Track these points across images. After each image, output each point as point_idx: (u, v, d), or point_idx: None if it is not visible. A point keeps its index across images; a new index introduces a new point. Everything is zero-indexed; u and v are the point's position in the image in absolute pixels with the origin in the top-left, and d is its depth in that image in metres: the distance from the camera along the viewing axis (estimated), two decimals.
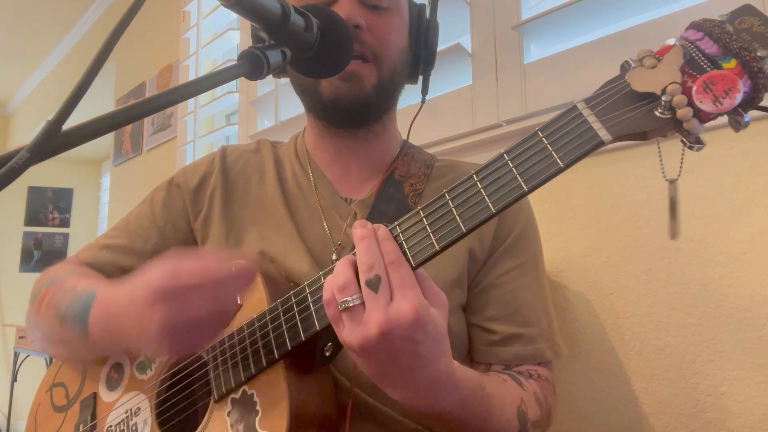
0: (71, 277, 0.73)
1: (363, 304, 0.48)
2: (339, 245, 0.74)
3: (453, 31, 1.23)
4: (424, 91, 0.83)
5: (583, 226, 0.95)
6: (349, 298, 0.48)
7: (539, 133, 0.48)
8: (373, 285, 0.48)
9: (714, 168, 0.81)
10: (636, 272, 0.88)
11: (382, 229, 0.51)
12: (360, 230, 0.51)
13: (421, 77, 0.83)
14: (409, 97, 0.86)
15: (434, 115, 1.19)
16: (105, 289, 0.65)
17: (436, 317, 0.49)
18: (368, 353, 0.48)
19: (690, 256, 0.83)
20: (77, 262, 0.81)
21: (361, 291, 0.48)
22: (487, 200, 0.49)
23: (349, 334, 0.48)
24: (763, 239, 0.76)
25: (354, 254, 0.51)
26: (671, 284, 0.84)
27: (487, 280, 0.74)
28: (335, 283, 0.50)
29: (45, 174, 4.77)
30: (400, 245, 0.52)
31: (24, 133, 4.48)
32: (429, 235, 0.50)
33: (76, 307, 0.65)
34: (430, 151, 1.15)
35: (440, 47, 1.15)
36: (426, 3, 0.81)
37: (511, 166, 0.48)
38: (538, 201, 0.98)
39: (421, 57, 0.80)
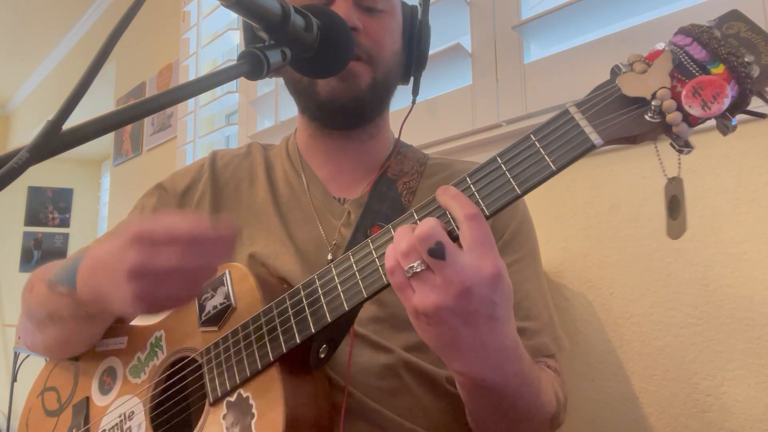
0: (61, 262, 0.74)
1: (435, 264, 0.46)
2: (334, 245, 0.73)
3: (453, 31, 1.23)
4: (415, 92, 0.84)
5: (583, 226, 0.95)
6: (416, 264, 0.46)
7: (532, 136, 0.49)
8: (438, 253, 0.45)
9: (714, 168, 0.81)
10: (636, 272, 0.88)
11: (450, 188, 0.50)
12: (443, 194, 0.49)
13: (412, 78, 0.83)
14: (405, 98, 0.86)
15: (434, 115, 1.19)
16: (94, 246, 0.65)
17: (509, 280, 0.48)
18: (443, 317, 0.46)
19: (690, 256, 0.83)
20: None
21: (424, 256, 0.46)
22: (481, 203, 0.49)
23: (422, 298, 0.46)
24: (763, 239, 0.76)
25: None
26: (671, 284, 0.84)
27: None
28: (398, 249, 0.48)
29: (45, 174, 4.77)
30: None
31: (24, 133, 4.48)
32: None
33: (65, 269, 0.66)
34: (430, 151, 1.15)
35: (440, 47, 1.16)
36: (418, 5, 0.81)
37: (504, 169, 0.49)
38: (538, 201, 0.98)
39: (413, 58, 0.80)
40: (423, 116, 1.20)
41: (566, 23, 1.02)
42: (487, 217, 0.49)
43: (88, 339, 0.76)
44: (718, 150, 0.81)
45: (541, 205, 0.99)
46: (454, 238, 0.48)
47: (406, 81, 0.83)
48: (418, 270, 0.46)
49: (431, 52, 0.84)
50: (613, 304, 0.90)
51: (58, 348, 0.78)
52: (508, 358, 0.51)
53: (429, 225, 0.47)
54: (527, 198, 0.82)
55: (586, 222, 0.95)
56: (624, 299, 0.89)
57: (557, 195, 0.99)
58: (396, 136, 0.86)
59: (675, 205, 0.49)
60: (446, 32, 1.22)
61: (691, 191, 0.83)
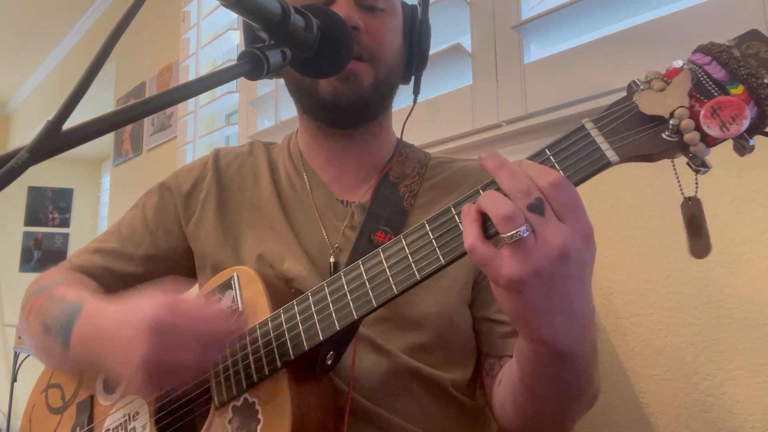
0: (62, 285, 0.73)
1: (532, 232, 0.43)
2: (337, 247, 0.73)
3: (453, 31, 1.23)
4: (416, 91, 0.84)
5: None
6: (522, 229, 0.43)
7: (547, 151, 0.48)
8: (538, 208, 0.43)
9: (714, 168, 0.81)
10: (636, 272, 0.88)
11: (524, 160, 0.47)
12: (492, 160, 0.46)
13: (413, 77, 0.83)
14: (406, 98, 0.86)
15: (434, 115, 1.19)
16: (93, 304, 0.64)
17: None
18: (538, 283, 0.43)
19: (690, 256, 0.82)
20: (70, 267, 0.81)
21: (527, 221, 0.43)
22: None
23: (518, 264, 0.43)
24: (763, 239, 0.76)
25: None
26: (671, 284, 0.84)
27: None
28: (498, 214, 0.43)
29: (45, 174, 4.77)
30: (406, 257, 0.52)
31: (24, 133, 4.48)
32: (435, 249, 0.50)
33: (61, 319, 0.65)
34: (430, 151, 1.15)
35: (440, 47, 1.16)
36: (418, 4, 0.81)
37: None
38: None
39: (414, 58, 0.80)
40: (423, 116, 1.20)
41: (566, 23, 1.02)
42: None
43: (78, 372, 0.77)
44: (718, 150, 0.81)
45: None
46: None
47: (406, 81, 0.83)
48: (525, 235, 0.43)
49: (431, 52, 0.84)
50: (613, 304, 0.90)
51: (55, 369, 0.80)
52: (590, 325, 0.49)
53: (523, 181, 0.44)
54: None
55: None
56: (624, 299, 0.89)
57: None
58: (398, 136, 0.86)
59: (695, 225, 0.48)
60: (446, 32, 1.22)
61: (691, 191, 0.83)
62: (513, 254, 0.43)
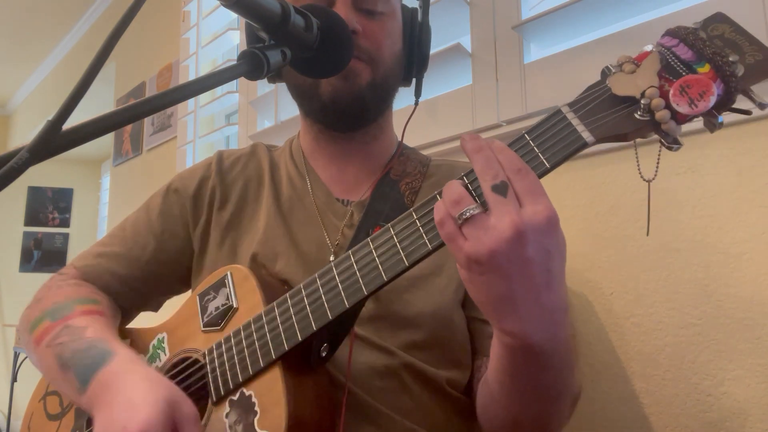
0: (79, 314, 0.71)
1: (485, 212, 0.45)
2: (337, 245, 0.73)
3: (453, 31, 1.23)
4: (417, 93, 0.84)
5: (583, 226, 0.95)
6: (469, 208, 0.45)
7: (526, 136, 0.50)
8: (501, 189, 0.45)
9: (714, 168, 0.81)
10: (636, 272, 0.88)
11: (496, 142, 0.49)
12: (472, 143, 0.48)
13: (414, 80, 0.83)
14: (406, 99, 0.86)
15: (434, 116, 1.19)
16: (124, 355, 0.63)
17: (562, 233, 0.47)
18: (496, 264, 0.44)
19: (690, 256, 0.83)
20: (75, 274, 0.81)
21: (477, 201, 0.46)
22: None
23: (475, 244, 0.44)
24: (763, 239, 0.76)
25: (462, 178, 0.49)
26: (671, 284, 0.84)
27: None
28: (449, 198, 0.47)
29: (45, 174, 4.77)
30: (395, 245, 0.53)
31: (24, 133, 4.48)
32: (422, 235, 0.51)
33: (84, 361, 0.63)
34: (431, 151, 1.16)
35: (440, 48, 1.16)
36: (418, 6, 0.81)
37: None
38: None
39: (414, 60, 0.80)
40: (423, 116, 1.20)
41: (566, 23, 1.02)
42: None
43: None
44: (718, 150, 0.81)
45: None
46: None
47: (407, 83, 0.83)
48: (475, 212, 0.45)
49: (431, 52, 0.84)
50: (613, 304, 0.90)
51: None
52: (561, 322, 0.49)
53: (492, 164, 0.46)
54: None
55: (586, 222, 0.95)
56: (624, 299, 0.89)
57: (557, 195, 0.99)
58: (399, 138, 0.86)
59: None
60: (446, 32, 1.22)
61: (691, 191, 0.83)
62: (470, 233, 0.45)
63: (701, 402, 0.80)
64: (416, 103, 0.84)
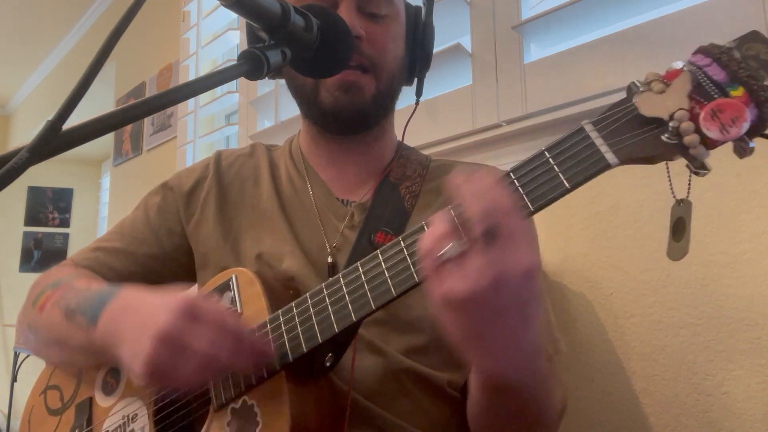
0: (80, 279, 0.73)
1: (469, 252, 0.44)
2: (335, 247, 0.73)
3: (453, 31, 1.23)
4: (419, 93, 0.84)
5: (583, 226, 0.95)
6: (449, 248, 0.44)
7: (546, 153, 0.48)
8: (486, 235, 0.43)
9: (714, 168, 0.81)
10: (636, 272, 0.88)
11: (488, 179, 0.47)
12: (463, 180, 0.46)
13: (416, 79, 0.83)
14: (406, 98, 0.86)
15: (434, 116, 1.19)
16: (131, 290, 0.64)
17: (539, 277, 0.47)
18: (471, 309, 0.44)
19: (690, 256, 0.82)
20: (72, 265, 0.81)
21: (462, 238, 0.44)
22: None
23: (450, 286, 0.44)
24: (764, 239, 0.76)
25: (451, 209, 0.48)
26: (671, 284, 0.84)
27: None
28: (435, 232, 0.46)
29: (45, 174, 4.77)
30: (405, 259, 0.52)
31: (24, 133, 4.48)
32: None
33: (90, 301, 0.65)
34: (430, 151, 1.15)
35: (440, 48, 1.16)
36: (422, 5, 0.81)
37: (518, 185, 0.48)
38: None
39: (417, 59, 0.80)
40: (423, 116, 1.20)
41: (566, 23, 1.02)
42: None
43: (92, 365, 0.76)
44: (718, 150, 0.81)
45: None
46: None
47: (409, 82, 0.83)
48: (457, 252, 0.44)
49: None
50: (613, 304, 0.90)
51: (60, 365, 0.80)
52: (531, 360, 0.50)
53: (489, 205, 0.44)
54: None
55: (586, 222, 0.95)
56: (624, 299, 0.89)
57: None
58: (399, 138, 0.86)
59: (679, 227, 0.48)
60: (446, 32, 1.22)
61: (691, 191, 0.83)
62: (452, 272, 0.44)
63: (701, 402, 0.80)
64: (417, 103, 0.84)
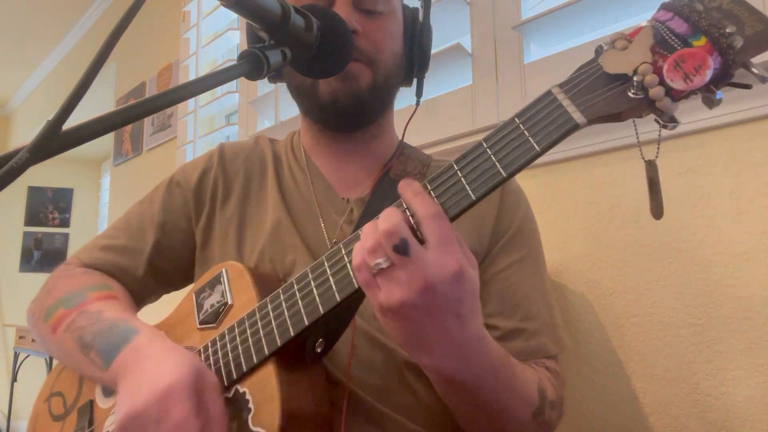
0: (92, 297, 0.72)
1: (397, 263, 0.47)
2: (334, 242, 0.73)
3: (453, 31, 1.23)
4: (419, 93, 0.84)
5: (583, 226, 0.95)
6: (381, 260, 0.47)
7: (516, 119, 0.49)
8: (401, 249, 0.47)
9: (714, 168, 0.81)
10: (636, 272, 0.88)
11: (415, 184, 0.50)
12: (405, 185, 0.50)
13: (415, 80, 0.83)
14: (407, 98, 0.86)
15: (434, 115, 1.19)
16: (147, 331, 0.64)
17: (473, 275, 0.49)
18: (407, 314, 0.48)
19: (690, 256, 0.83)
20: (79, 264, 0.81)
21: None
22: (468, 188, 0.49)
23: (387, 295, 0.48)
24: (763, 239, 0.76)
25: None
26: (671, 284, 0.84)
27: (487, 275, 0.74)
28: (364, 246, 0.49)
29: (45, 174, 4.77)
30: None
31: (24, 133, 4.48)
32: None
33: (108, 340, 0.64)
34: (430, 151, 1.15)
35: (440, 47, 1.16)
36: (419, 6, 0.81)
37: (490, 153, 0.49)
38: (538, 201, 0.98)
39: (415, 60, 0.80)
40: (423, 116, 1.20)
41: (566, 23, 1.02)
42: (475, 202, 0.49)
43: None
44: (718, 150, 0.81)
45: (541, 205, 0.99)
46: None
47: (408, 83, 0.83)
48: (384, 266, 0.47)
49: (431, 52, 0.84)
50: (613, 304, 0.90)
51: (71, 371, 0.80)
52: (474, 353, 0.52)
53: (394, 221, 0.47)
54: (527, 196, 0.82)
55: (586, 222, 0.95)
56: (624, 299, 0.89)
57: (557, 195, 0.99)
58: (399, 137, 0.86)
59: (653, 186, 0.49)
60: (446, 32, 1.22)
61: (691, 191, 0.83)
62: (383, 284, 0.48)
63: (701, 402, 0.80)
64: (417, 103, 0.84)
